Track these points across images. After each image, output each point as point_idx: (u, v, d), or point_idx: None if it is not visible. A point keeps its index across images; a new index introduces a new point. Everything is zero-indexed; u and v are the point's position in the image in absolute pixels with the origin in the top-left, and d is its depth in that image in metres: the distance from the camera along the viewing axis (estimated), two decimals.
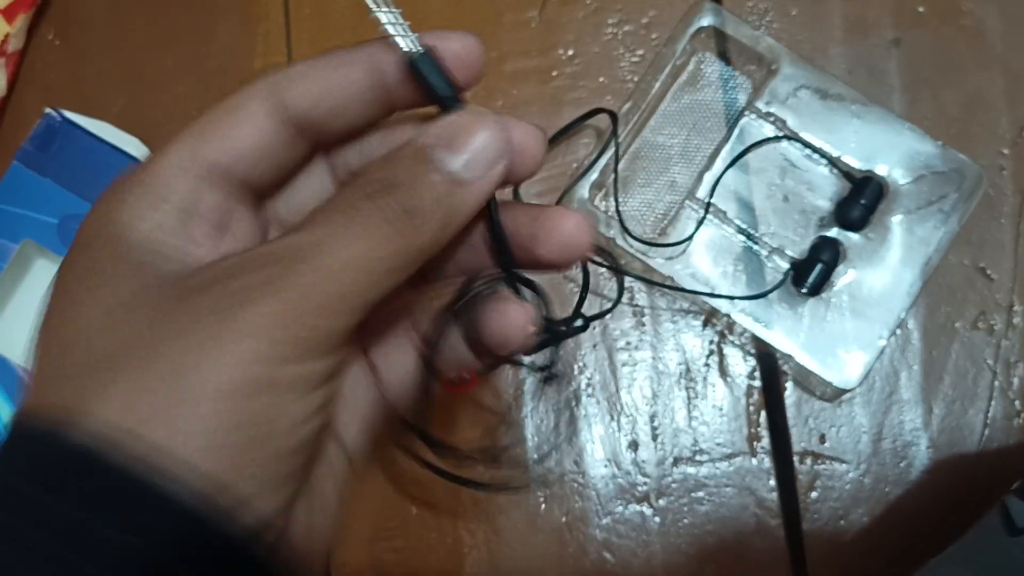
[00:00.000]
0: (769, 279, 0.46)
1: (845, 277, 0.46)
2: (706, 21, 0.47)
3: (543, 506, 0.46)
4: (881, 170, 0.46)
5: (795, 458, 0.46)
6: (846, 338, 0.45)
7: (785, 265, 0.46)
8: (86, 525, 0.21)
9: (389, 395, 0.30)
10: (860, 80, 0.48)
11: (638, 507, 0.46)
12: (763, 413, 0.46)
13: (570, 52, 0.49)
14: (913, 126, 0.46)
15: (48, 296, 0.24)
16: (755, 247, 0.46)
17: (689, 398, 0.46)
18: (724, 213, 0.47)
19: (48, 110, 0.46)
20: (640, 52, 0.49)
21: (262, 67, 0.49)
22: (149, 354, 0.22)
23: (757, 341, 0.46)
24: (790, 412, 0.46)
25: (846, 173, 0.46)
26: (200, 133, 0.25)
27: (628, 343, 0.47)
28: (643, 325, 0.47)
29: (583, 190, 0.46)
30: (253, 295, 0.22)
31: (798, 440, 0.46)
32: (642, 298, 0.47)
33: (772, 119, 0.47)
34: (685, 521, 0.46)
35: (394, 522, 0.46)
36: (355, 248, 0.23)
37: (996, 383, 0.46)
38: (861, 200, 0.45)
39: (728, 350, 0.47)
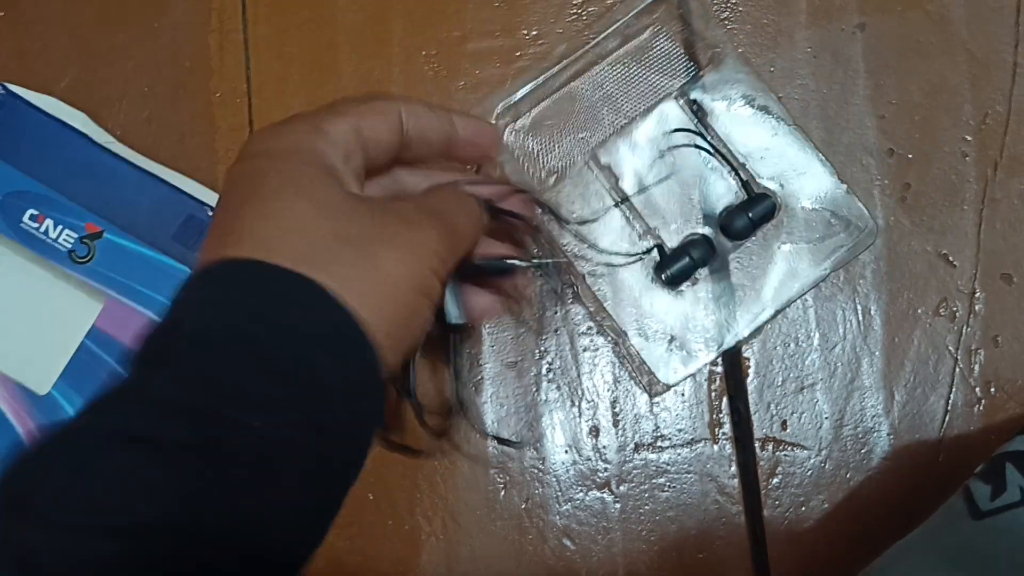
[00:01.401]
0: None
1: (707, 281, 0.46)
2: None
3: (502, 492, 0.45)
4: (781, 192, 0.46)
5: (756, 444, 0.45)
6: (683, 340, 0.45)
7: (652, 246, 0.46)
8: (324, 346, 0.29)
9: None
10: (825, 65, 0.48)
11: (599, 493, 0.45)
12: (724, 399, 0.46)
13: (534, 32, 0.48)
14: (827, 161, 0.46)
15: (240, 180, 0.32)
16: (632, 221, 0.46)
17: (651, 384, 0.46)
18: (616, 179, 0.46)
19: None
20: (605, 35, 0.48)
21: (217, 43, 0.48)
22: (357, 247, 0.30)
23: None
24: (752, 398, 0.46)
25: (745, 183, 0.46)
26: (362, 116, 0.34)
27: (590, 328, 0.46)
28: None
29: (496, 105, 0.46)
30: (424, 225, 0.32)
31: (759, 426, 0.46)
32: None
33: (696, 108, 0.46)
34: (646, 508, 0.45)
35: (348, 509, 0.45)
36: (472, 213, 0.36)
37: (958, 370, 0.46)
38: (749, 213, 0.45)
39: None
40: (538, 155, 0.47)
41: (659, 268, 0.45)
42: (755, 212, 0.45)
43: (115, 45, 0.48)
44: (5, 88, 0.44)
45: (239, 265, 0.29)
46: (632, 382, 0.46)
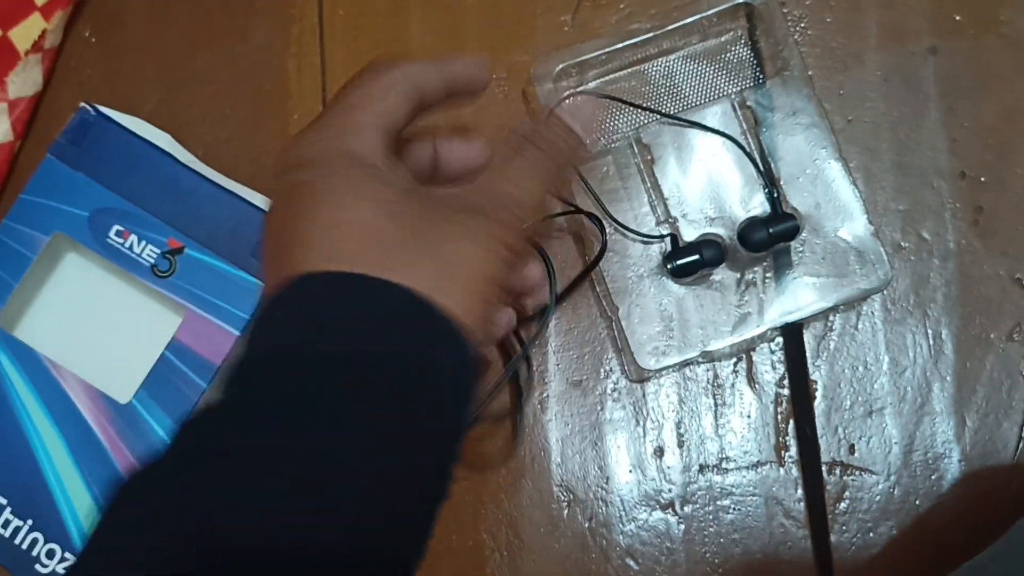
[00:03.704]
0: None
1: (707, 285, 0.46)
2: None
3: (566, 510, 0.45)
4: (808, 218, 0.46)
5: (823, 468, 0.45)
6: (671, 331, 0.45)
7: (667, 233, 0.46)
8: (427, 352, 0.29)
9: None
10: (896, 88, 0.48)
11: (663, 514, 0.45)
12: (791, 422, 0.46)
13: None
14: (861, 199, 0.45)
15: (290, 194, 0.31)
16: (656, 206, 0.46)
17: (716, 404, 0.46)
18: (652, 162, 0.46)
19: (82, 104, 0.46)
20: None
21: (295, 67, 0.50)
22: (431, 245, 0.30)
23: (787, 351, 0.46)
24: (819, 421, 0.45)
25: (774, 199, 0.45)
26: (376, 103, 0.33)
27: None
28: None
29: (559, 64, 0.46)
30: (488, 213, 0.32)
31: (827, 450, 0.45)
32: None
33: (749, 115, 0.47)
34: (710, 529, 0.45)
35: None
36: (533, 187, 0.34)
37: None
38: (769, 229, 0.45)
39: (757, 357, 0.46)
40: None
41: (668, 258, 0.45)
42: (775, 229, 0.45)
43: (198, 69, 0.50)
44: (95, 109, 0.46)
45: (322, 279, 0.29)
46: (692, 402, 0.46)
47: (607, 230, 0.45)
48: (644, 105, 0.47)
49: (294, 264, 0.30)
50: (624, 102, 0.47)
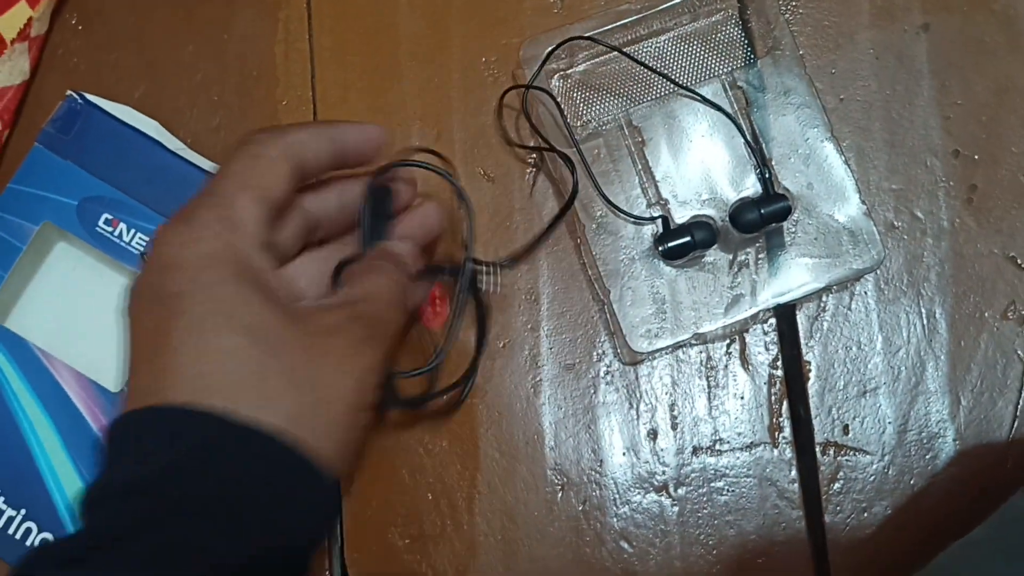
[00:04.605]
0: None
1: (700, 266, 0.45)
2: None
3: (560, 494, 0.45)
4: (801, 198, 0.45)
5: (817, 449, 0.45)
6: (663, 314, 0.45)
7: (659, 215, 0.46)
8: (283, 497, 0.30)
9: None
10: (888, 66, 0.47)
11: (657, 496, 0.45)
12: (785, 403, 0.45)
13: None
14: (853, 179, 0.45)
15: (161, 303, 0.31)
16: (647, 188, 0.46)
17: (709, 386, 0.46)
18: (642, 143, 0.46)
19: (70, 93, 0.46)
20: None
21: (283, 53, 0.49)
22: (296, 377, 0.30)
23: (781, 332, 0.46)
24: (813, 402, 0.45)
25: (766, 179, 0.45)
26: (257, 179, 0.33)
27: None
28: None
29: (546, 48, 0.46)
30: (357, 338, 0.33)
31: (820, 431, 0.45)
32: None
33: (741, 95, 0.46)
34: (704, 511, 0.45)
35: (408, 509, 0.45)
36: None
37: None
38: (761, 210, 0.44)
39: (750, 338, 0.46)
40: (580, 106, 0.47)
41: (659, 240, 0.45)
42: (767, 210, 0.44)
43: (185, 57, 0.50)
44: (83, 97, 0.46)
45: (183, 415, 0.29)
46: (686, 384, 0.46)
47: (600, 211, 0.45)
48: (655, 68, 0.46)
49: (159, 390, 0.30)
50: (635, 60, 0.46)
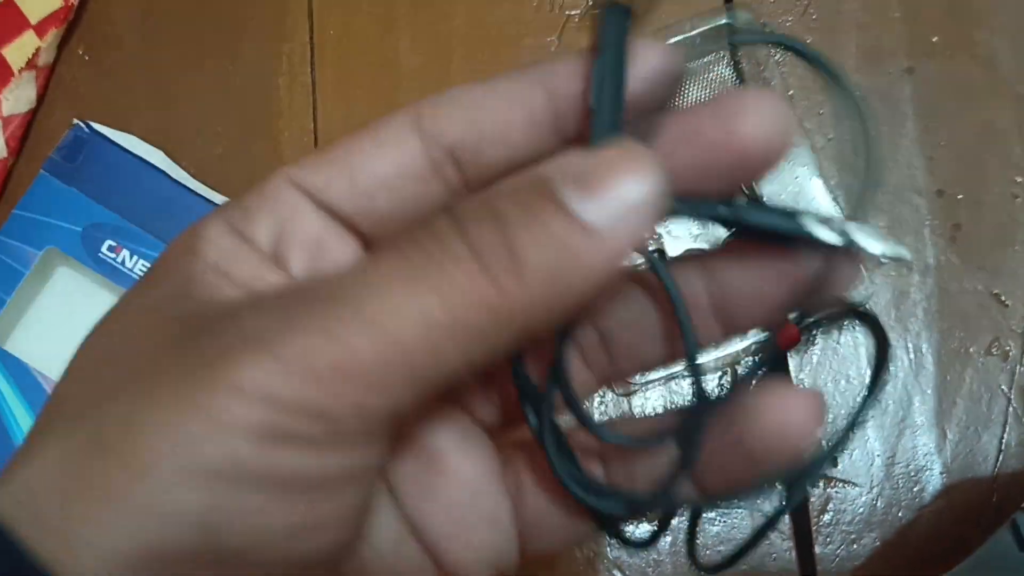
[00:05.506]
0: None
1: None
2: (731, 20, 0.48)
3: None
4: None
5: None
6: None
7: None
8: None
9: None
10: (873, 108, 0.49)
11: (649, 526, 0.46)
12: None
13: None
14: (843, 215, 0.45)
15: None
16: None
17: None
18: None
19: (76, 121, 0.47)
20: None
21: (287, 86, 0.50)
22: (100, 412, 0.16)
23: (771, 365, 0.47)
24: None
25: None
26: (322, 161, 0.22)
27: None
28: None
29: None
30: (261, 342, 0.16)
31: None
32: None
33: None
34: (696, 541, 0.45)
35: None
36: (422, 297, 0.17)
37: (1011, 409, 0.46)
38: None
39: (741, 371, 0.47)
40: None
41: None
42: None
43: (191, 87, 0.51)
44: (89, 126, 0.47)
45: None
46: None
47: None
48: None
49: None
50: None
